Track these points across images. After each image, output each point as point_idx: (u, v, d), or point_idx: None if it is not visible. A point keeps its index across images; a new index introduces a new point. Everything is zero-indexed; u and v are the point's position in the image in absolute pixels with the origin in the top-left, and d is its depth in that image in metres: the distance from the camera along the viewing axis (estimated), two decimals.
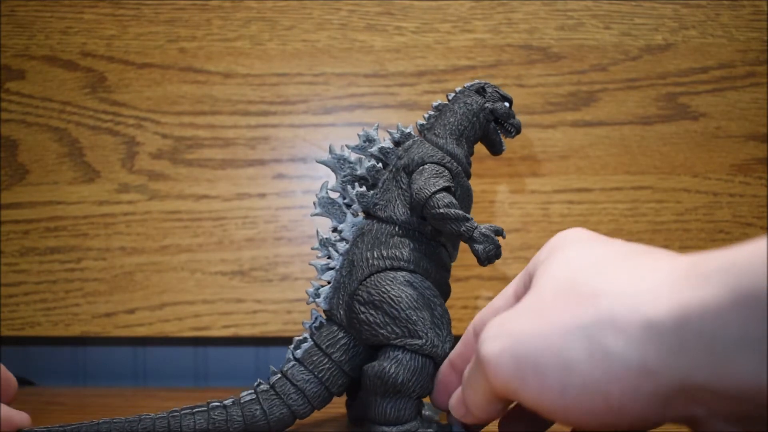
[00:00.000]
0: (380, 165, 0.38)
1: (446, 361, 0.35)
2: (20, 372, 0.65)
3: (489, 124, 0.41)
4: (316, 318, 0.38)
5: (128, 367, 0.65)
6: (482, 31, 0.63)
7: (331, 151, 0.39)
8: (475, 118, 0.40)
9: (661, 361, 0.20)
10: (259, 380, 0.37)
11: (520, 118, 0.62)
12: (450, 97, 0.41)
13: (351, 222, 0.38)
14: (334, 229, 0.39)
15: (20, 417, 0.34)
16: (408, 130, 0.39)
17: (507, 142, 0.42)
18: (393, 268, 0.36)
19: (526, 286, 0.29)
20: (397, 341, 0.34)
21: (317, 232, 0.39)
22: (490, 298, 0.61)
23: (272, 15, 0.63)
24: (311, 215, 0.39)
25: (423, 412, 0.37)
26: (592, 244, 0.27)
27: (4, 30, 0.63)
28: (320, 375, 0.36)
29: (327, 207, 0.39)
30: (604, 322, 0.22)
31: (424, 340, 0.34)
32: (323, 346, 0.37)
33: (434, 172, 0.36)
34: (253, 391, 0.36)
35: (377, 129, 0.39)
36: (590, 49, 0.63)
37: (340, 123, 0.63)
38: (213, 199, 0.62)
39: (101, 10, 0.63)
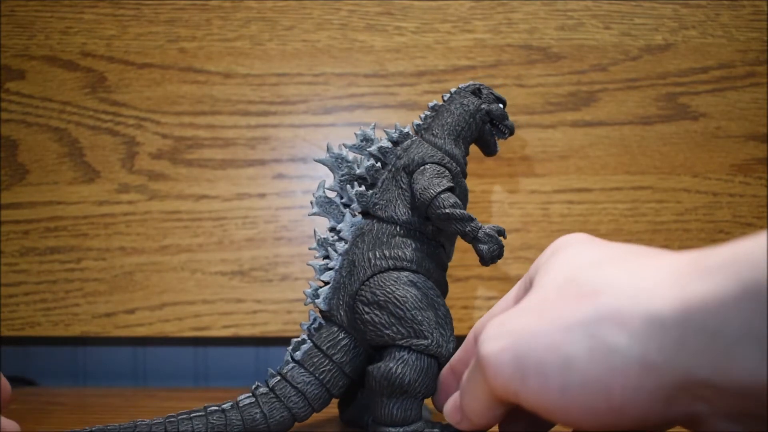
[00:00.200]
0: (379, 164, 0.38)
1: (447, 366, 0.35)
2: (20, 372, 0.65)
3: (485, 126, 0.41)
4: (314, 319, 0.38)
5: (128, 367, 0.65)
6: (482, 31, 0.63)
7: (329, 150, 0.39)
8: (471, 119, 0.40)
9: (664, 357, 0.20)
10: (257, 383, 0.36)
11: (520, 118, 0.62)
12: (445, 98, 0.41)
13: (350, 222, 0.38)
14: (332, 229, 0.38)
15: (9, 426, 0.33)
16: (406, 130, 0.39)
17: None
18: (396, 268, 0.36)
19: (527, 290, 0.29)
20: (402, 342, 0.34)
21: (315, 232, 0.39)
22: (490, 298, 0.61)
23: (272, 15, 0.63)
24: (309, 215, 0.39)
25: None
26: (592, 246, 0.27)
27: (4, 30, 0.63)
28: (321, 377, 0.36)
29: (325, 206, 0.38)
30: (606, 318, 0.21)
31: (429, 341, 0.34)
32: (323, 348, 0.36)
33: (436, 172, 0.36)
34: (251, 394, 0.36)
35: (374, 128, 0.39)
36: (590, 49, 0.63)
37: (340, 123, 0.63)
38: (213, 199, 0.62)
39: (101, 10, 0.63)
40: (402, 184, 0.38)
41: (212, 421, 0.34)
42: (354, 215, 0.38)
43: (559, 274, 0.25)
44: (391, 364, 0.34)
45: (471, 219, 0.34)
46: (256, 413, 0.35)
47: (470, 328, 0.34)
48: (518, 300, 0.30)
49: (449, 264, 0.40)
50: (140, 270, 0.62)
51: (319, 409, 0.37)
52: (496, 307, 0.32)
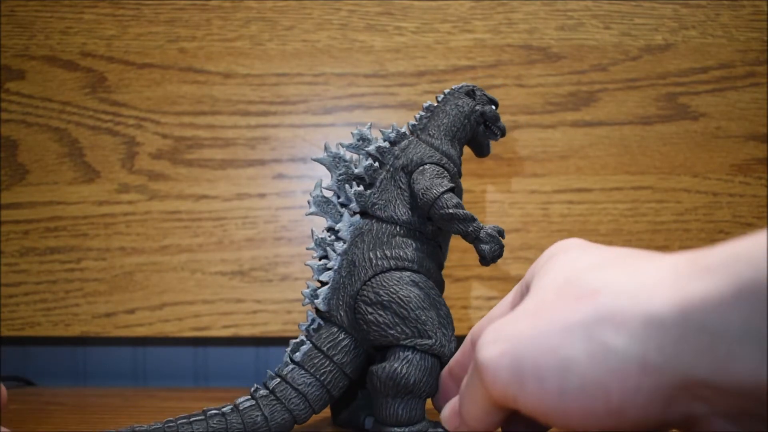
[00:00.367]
0: (377, 164, 0.38)
1: (446, 368, 0.35)
2: (20, 372, 0.65)
3: (479, 127, 0.41)
4: (312, 320, 0.37)
5: (128, 367, 0.65)
6: (482, 31, 0.63)
7: (326, 149, 0.38)
8: (466, 120, 0.40)
9: (663, 357, 0.20)
10: (256, 385, 0.36)
11: (520, 118, 0.62)
12: (439, 99, 0.41)
13: (348, 221, 0.38)
14: (330, 229, 0.38)
15: None
16: (403, 130, 0.39)
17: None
18: (398, 268, 0.36)
19: (523, 295, 0.28)
20: (407, 341, 0.34)
21: (312, 231, 0.38)
22: (490, 298, 0.61)
23: (272, 15, 0.63)
24: (306, 214, 0.38)
25: None
26: (589, 250, 0.26)
27: (4, 30, 0.63)
28: (322, 378, 0.36)
29: (322, 206, 0.38)
30: (604, 318, 0.21)
31: (433, 340, 0.34)
32: (324, 348, 0.36)
33: (436, 172, 0.37)
34: (250, 396, 0.35)
35: (370, 128, 0.39)
36: (590, 49, 0.63)
37: (340, 123, 0.63)
38: (213, 199, 0.62)
39: (101, 10, 0.63)
40: (401, 184, 0.38)
41: (212, 425, 0.34)
42: (352, 215, 0.38)
43: (556, 278, 0.25)
44: (395, 365, 0.34)
45: (473, 219, 0.34)
46: (257, 416, 0.35)
47: (470, 328, 0.34)
48: (515, 305, 0.30)
49: (448, 264, 0.40)
50: (140, 270, 0.62)
51: (319, 410, 0.36)
52: (493, 312, 0.32)
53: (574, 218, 0.62)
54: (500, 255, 0.34)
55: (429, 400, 0.37)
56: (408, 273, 0.36)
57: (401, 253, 0.36)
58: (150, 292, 0.61)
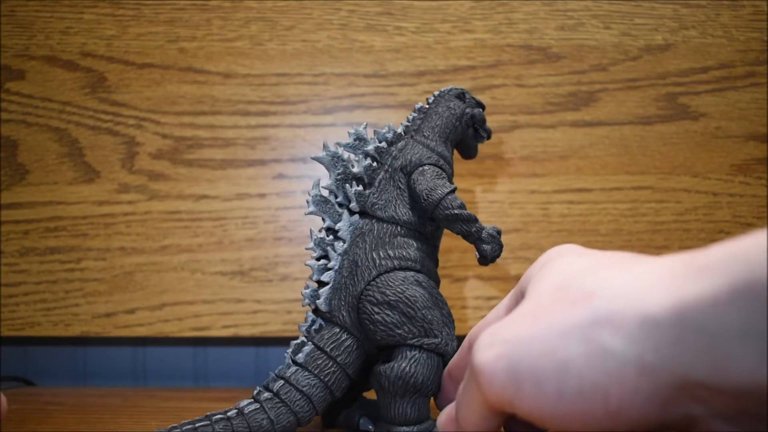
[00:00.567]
0: (376, 164, 0.38)
1: (445, 370, 0.35)
2: (20, 372, 0.65)
3: (468, 129, 0.42)
4: (313, 320, 0.37)
5: (128, 367, 0.65)
6: (482, 31, 0.63)
7: (325, 147, 0.38)
8: (458, 122, 0.41)
9: (660, 358, 0.20)
10: (258, 388, 0.36)
11: (520, 118, 0.62)
12: (430, 101, 0.41)
13: (348, 221, 0.37)
14: (328, 229, 0.38)
15: None
16: (399, 131, 0.39)
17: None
18: (401, 268, 0.36)
19: (519, 301, 0.28)
20: (414, 341, 0.35)
21: (311, 231, 0.38)
22: (490, 298, 0.61)
23: (272, 15, 0.63)
24: (305, 214, 0.38)
25: None
26: (584, 255, 0.26)
27: (4, 30, 0.63)
28: (326, 379, 0.36)
29: (321, 205, 0.38)
30: (601, 320, 0.21)
31: (439, 339, 0.35)
32: (327, 349, 0.36)
33: (436, 173, 0.37)
34: (253, 400, 0.35)
35: (366, 128, 0.39)
36: (590, 49, 0.63)
37: (340, 123, 0.63)
38: (213, 199, 0.62)
39: (101, 10, 0.63)
40: (400, 185, 0.38)
41: (218, 430, 0.33)
42: (351, 214, 0.38)
43: (552, 282, 0.25)
44: (403, 364, 0.34)
45: (476, 220, 0.35)
46: (263, 419, 0.34)
47: (470, 328, 0.34)
48: (510, 310, 0.30)
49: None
50: (140, 270, 0.62)
51: (322, 412, 0.36)
52: (489, 317, 0.32)
53: (574, 218, 0.62)
54: (499, 255, 0.35)
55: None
56: (411, 273, 0.36)
57: (404, 253, 0.37)
58: (150, 292, 0.61)
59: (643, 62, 0.62)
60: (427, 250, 0.38)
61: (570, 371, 0.21)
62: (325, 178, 0.39)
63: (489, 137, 0.43)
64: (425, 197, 0.36)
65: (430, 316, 0.35)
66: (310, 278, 0.38)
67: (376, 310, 0.35)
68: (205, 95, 0.63)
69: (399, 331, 0.35)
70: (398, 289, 0.35)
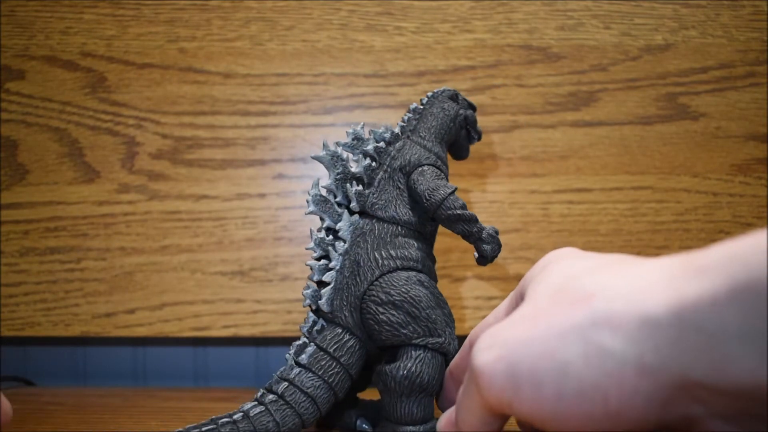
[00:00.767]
0: (375, 164, 0.38)
1: (447, 370, 0.35)
2: (20, 372, 0.65)
3: (461, 130, 0.43)
4: (315, 321, 0.37)
5: (128, 367, 0.65)
6: (482, 31, 0.63)
7: (325, 147, 0.38)
8: (452, 124, 0.42)
9: (659, 358, 0.20)
10: (261, 390, 0.36)
11: (520, 118, 0.62)
12: (424, 101, 0.42)
13: (348, 221, 0.37)
14: (328, 229, 0.38)
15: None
16: (397, 131, 0.39)
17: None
18: (404, 268, 0.36)
19: (518, 303, 0.28)
20: (418, 340, 0.35)
21: (311, 231, 0.38)
22: (490, 298, 0.61)
23: (272, 15, 0.63)
24: (306, 213, 0.38)
25: None
26: (584, 257, 0.26)
27: (4, 30, 0.63)
28: (330, 380, 0.36)
29: (321, 205, 0.38)
30: (600, 321, 0.21)
31: (443, 338, 0.35)
32: (330, 350, 0.36)
33: (435, 174, 0.38)
34: (257, 402, 0.35)
35: (363, 128, 0.39)
36: (590, 49, 0.63)
37: (340, 123, 0.63)
38: (213, 199, 0.62)
39: (101, 10, 0.63)
40: (399, 185, 0.38)
41: None
42: (351, 214, 0.38)
43: (551, 284, 0.25)
44: (409, 364, 0.35)
45: (477, 220, 0.36)
46: (269, 422, 0.34)
47: (469, 328, 0.34)
48: (510, 312, 0.30)
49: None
50: (140, 270, 0.62)
51: (325, 413, 0.36)
52: (488, 319, 0.32)
53: (574, 218, 0.62)
54: (498, 255, 0.36)
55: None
56: (414, 273, 0.37)
57: (406, 253, 0.37)
58: (150, 292, 0.61)
59: (643, 62, 0.62)
60: (426, 249, 0.38)
61: (569, 372, 0.21)
62: (324, 177, 0.39)
63: (479, 139, 0.44)
64: (427, 197, 0.36)
65: (434, 316, 0.35)
66: (310, 278, 0.38)
67: (381, 310, 0.35)
68: (205, 95, 0.63)
69: (404, 331, 0.35)
70: (402, 289, 0.35)
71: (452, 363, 0.35)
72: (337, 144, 0.39)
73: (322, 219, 0.38)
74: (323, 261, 0.38)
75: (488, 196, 0.62)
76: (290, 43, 0.63)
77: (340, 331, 0.37)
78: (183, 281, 0.61)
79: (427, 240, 0.39)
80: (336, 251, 0.37)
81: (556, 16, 0.63)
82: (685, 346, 0.19)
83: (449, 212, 0.36)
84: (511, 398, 0.23)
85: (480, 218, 0.60)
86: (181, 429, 0.33)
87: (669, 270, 0.21)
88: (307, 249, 0.38)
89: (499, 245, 0.36)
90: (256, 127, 0.63)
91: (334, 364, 0.36)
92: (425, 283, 0.36)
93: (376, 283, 0.36)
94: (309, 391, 0.35)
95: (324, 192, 0.38)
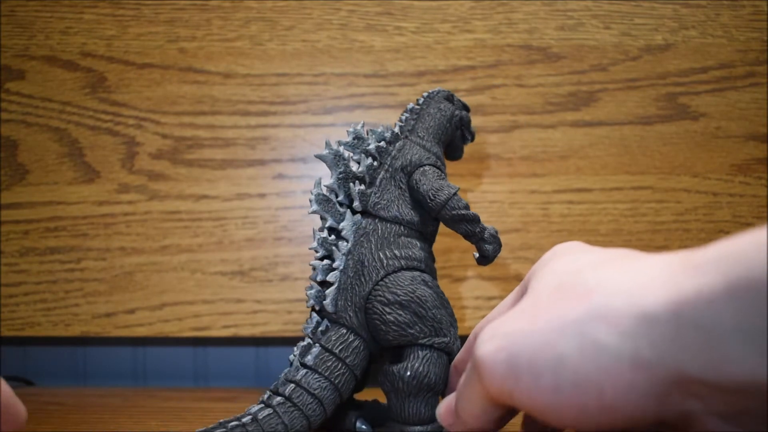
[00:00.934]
0: (376, 163, 0.38)
1: (452, 365, 0.36)
2: (20, 372, 0.65)
3: (457, 131, 0.43)
4: (318, 322, 0.37)
5: (128, 367, 0.65)
6: (482, 31, 0.63)
7: (327, 146, 0.38)
8: (448, 124, 0.42)
9: (655, 354, 0.20)
10: (267, 392, 0.36)
11: (520, 118, 0.62)
12: (420, 102, 0.42)
13: (351, 221, 0.37)
14: (330, 228, 0.38)
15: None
16: (396, 131, 0.39)
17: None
18: (408, 268, 0.37)
19: (523, 297, 0.29)
20: (425, 340, 0.35)
21: (314, 231, 0.38)
22: (490, 298, 0.61)
23: (272, 15, 0.63)
24: (309, 213, 0.38)
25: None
26: (589, 251, 0.27)
27: (4, 30, 0.63)
28: (336, 381, 0.35)
29: (323, 204, 0.38)
30: (597, 316, 0.21)
31: (449, 338, 0.36)
32: (336, 351, 0.36)
33: (437, 174, 0.38)
34: (264, 404, 0.35)
35: (363, 127, 0.39)
36: (590, 49, 0.63)
37: (340, 123, 0.63)
38: (213, 199, 0.62)
39: (101, 10, 0.63)
40: (401, 185, 0.38)
41: None
42: (354, 214, 0.38)
43: (553, 278, 0.25)
44: (416, 364, 0.35)
45: (479, 221, 0.36)
46: (278, 424, 0.34)
47: (470, 328, 0.34)
48: (514, 306, 0.30)
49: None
50: (140, 270, 0.62)
51: (330, 414, 0.36)
52: (493, 313, 0.32)
53: (574, 218, 0.62)
54: (498, 255, 0.37)
55: None
56: (418, 273, 0.37)
57: (410, 253, 0.37)
58: (150, 292, 0.61)
59: (643, 62, 0.62)
60: (428, 249, 0.39)
61: (566, 365, 0.22)
62: (326, 177, 0.39)
63: (473, 140, 0.44)
64: (431, 198, 0.37)
65: (439, 316, 0.35)
66: (312, 278, 0.38)
67: (387, 310, 0.35)
68: (205, 95, 0.63)
69: (411, 331, 0.35)
70: (408, 289, 0.36)
71: (457, 357, 0.35)
72: (339, 143, 0.39)
73: (323, 219, 0.38)
74: (326, 261, 0.37)
75: (488, 196, 0.62)
76: (290, 43, 0.63)
77: (344, 331, 0.36)
78: (183, 281, 0.61)
79: (428, 240, 0.39)
80: (339, 251, 0.37)
81: (556, 16, 0.63)
82: (682, 343, 0.19)
83: (453, 212, 0.36)
84: (511, 388, 0.24)
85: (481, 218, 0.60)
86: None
87: (667, 266, 0.21)
88: (310, 249, 0.38)
89: (500, 245, 0.36)
90: (256, 127, 0.63)
91: (340, 365, 0.36)
92: (429, 283, 0.36)
93: (381, 283, 0.36)
94: (316, 392, 0.35)
95: (326, 191, 0.38)
